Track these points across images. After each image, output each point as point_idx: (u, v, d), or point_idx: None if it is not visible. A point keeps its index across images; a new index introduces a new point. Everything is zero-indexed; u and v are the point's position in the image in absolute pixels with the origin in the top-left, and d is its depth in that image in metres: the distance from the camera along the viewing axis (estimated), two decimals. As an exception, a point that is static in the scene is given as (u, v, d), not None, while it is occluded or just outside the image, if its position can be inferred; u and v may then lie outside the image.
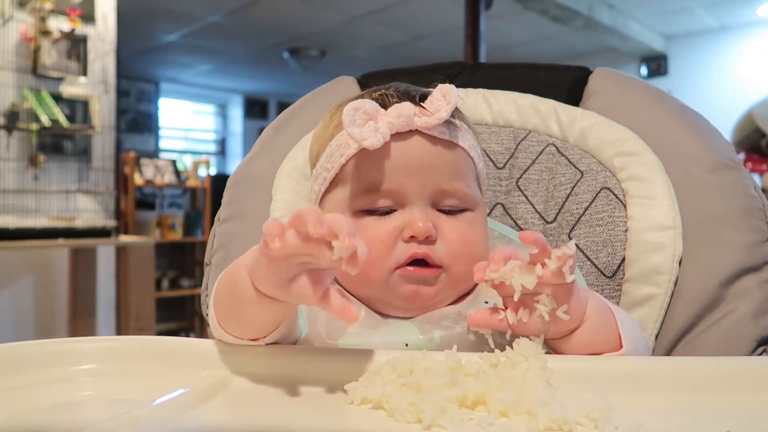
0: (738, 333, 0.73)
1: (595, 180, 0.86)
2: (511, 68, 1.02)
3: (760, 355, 0.72)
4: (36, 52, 3.10)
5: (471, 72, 1.02)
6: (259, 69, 6.96)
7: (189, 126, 8.17)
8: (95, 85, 3.36)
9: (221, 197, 0.97)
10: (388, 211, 0.69)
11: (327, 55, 6.18)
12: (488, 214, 0.88)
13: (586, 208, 0.85)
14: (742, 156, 3.62)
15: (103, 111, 3.36)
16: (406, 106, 0.68)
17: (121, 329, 3.53)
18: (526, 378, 0.50)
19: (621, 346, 0.60)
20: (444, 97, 0.68)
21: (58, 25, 3.17)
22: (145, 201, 4.62)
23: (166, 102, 7.72)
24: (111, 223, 3.40)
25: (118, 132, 3.68)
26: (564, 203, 0.87)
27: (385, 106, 0.69)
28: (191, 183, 4.88)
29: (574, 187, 0.87)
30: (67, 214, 3.24)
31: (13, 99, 3.06)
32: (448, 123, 0.70)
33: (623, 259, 0.80)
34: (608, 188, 0.84)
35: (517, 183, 0.92)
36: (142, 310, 3.47)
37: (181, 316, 5.09)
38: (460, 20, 3.97)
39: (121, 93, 5.85)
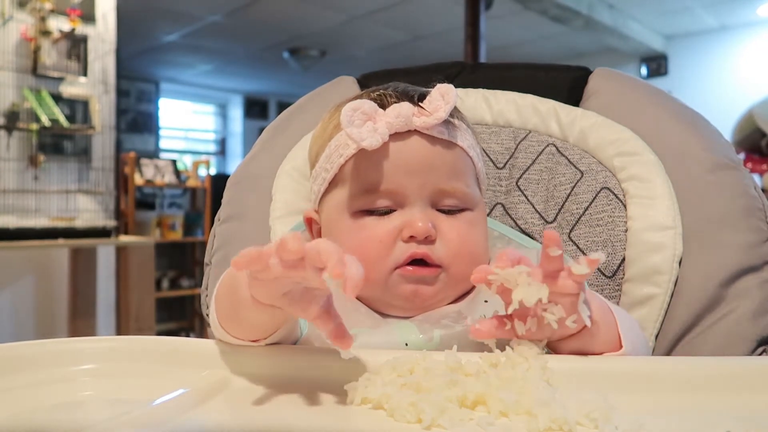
0: (738, 333, 0.73)
1: (595, 180, 0.86)
2: (511, 68, 1.02)
3: (760, 355, 0.72)
4: (36, 52, 3.10)
5: (471, 72, 1.02)
6: (259, 69, 6.96)
7: (189, 126, 8.17)
8: (95, 85, 3.36)
9: (221, 197, 0.98)
10: (388, 211, 0.69)
11: (327, 55, 6.18)
12: (488, 214, 0.88)
13: (586, 208, 0.85)
14: (742, 156, 3.62)
15: (103, 111, 3.36)
16: (405, 106, 0.68)
17: (121, 329, 3.53)
18: (526, 378, 0.50)
19: (621, 346, 0.60)
20: (442, 96, 0.68)
21: (58, 25, 3.17)
22: (145, 201, 4.62)
23: (166, 102, 7.71)
24: (111, 223, 3.40)
25: (118, 132, 3.68)
26: (564, 203, 0.87)
27: (383, 107, 0.69)
28: (191, 183, 4.88)
29: (574, 187, 0.87)
30: (67, 214, 3.24)
31: (13, 99, 3.06)
32: (446, 123, 0.70)
33: (623, 259, 0.80)
34: (608, 188, 0.84)
35: (517, 183, 0.92)
36: (142, 310, 3.47)
37: (181, 316, 5.09)
38: (460, 20, 3.98)
39: (121, 93, 5.84)
